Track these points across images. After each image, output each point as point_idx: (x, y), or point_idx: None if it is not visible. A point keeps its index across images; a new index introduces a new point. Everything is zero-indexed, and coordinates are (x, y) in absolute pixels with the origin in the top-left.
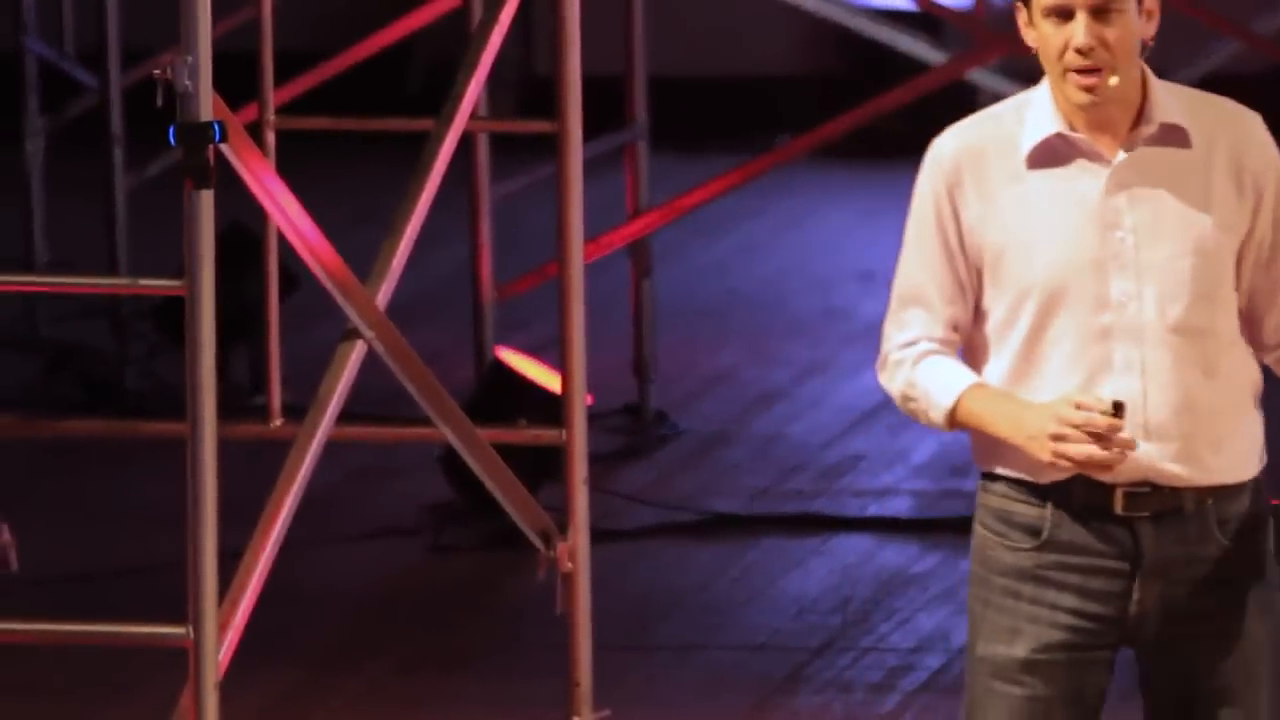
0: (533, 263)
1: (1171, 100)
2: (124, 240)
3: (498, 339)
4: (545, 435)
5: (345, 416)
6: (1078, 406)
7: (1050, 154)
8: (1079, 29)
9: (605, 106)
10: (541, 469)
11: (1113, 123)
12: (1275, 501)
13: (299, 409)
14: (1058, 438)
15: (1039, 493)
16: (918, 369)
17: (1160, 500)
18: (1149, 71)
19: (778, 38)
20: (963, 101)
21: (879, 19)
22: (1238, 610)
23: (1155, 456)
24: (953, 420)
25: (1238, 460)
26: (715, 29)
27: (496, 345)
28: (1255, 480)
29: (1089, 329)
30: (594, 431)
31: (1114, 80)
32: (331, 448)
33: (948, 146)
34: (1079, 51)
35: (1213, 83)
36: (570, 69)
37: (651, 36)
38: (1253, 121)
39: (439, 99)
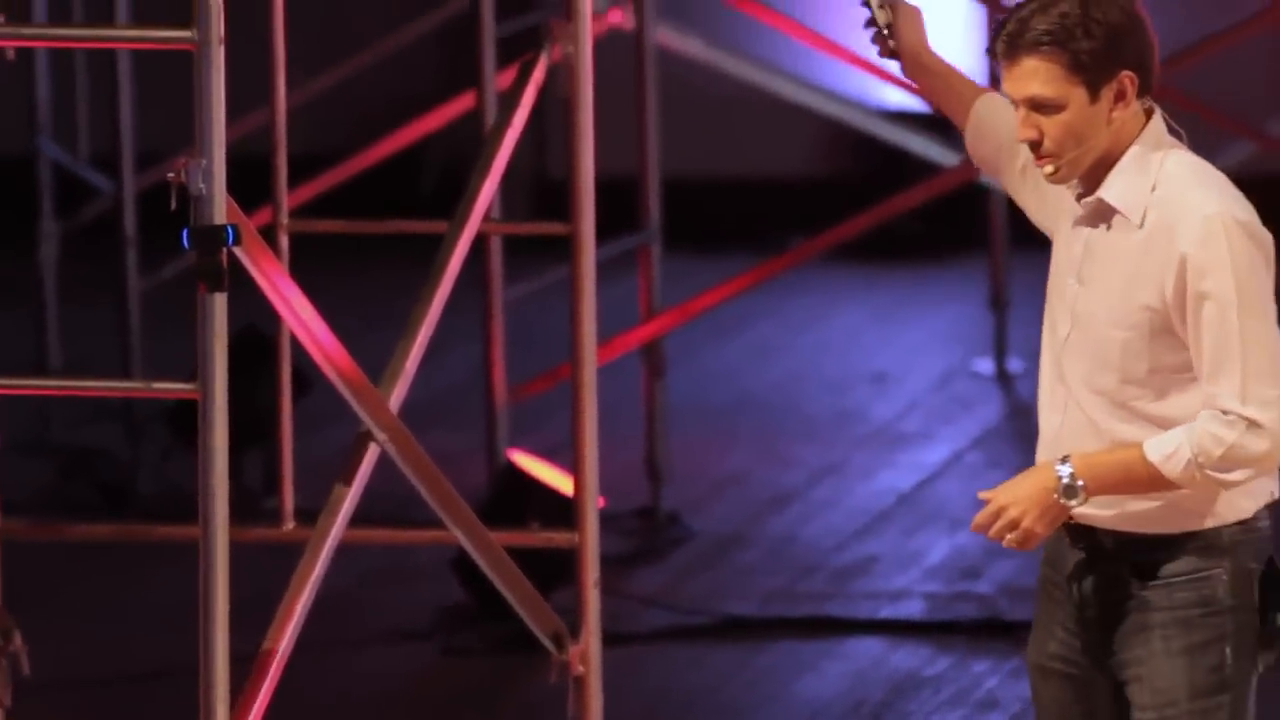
0: (546, 365)
1: (1131, 179)
2: (137, 343)
3: (511, 441)
4: (557, 538)
5: (358, 519)
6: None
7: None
8: (1020, 123)
9: (618, 208)
10: (554, 571)
11: (1097, 182)
12: (1269, 563)
13: (312, 512)
14: None
15: None
16: None
17: (1089, 538)
18: (1145, 136)
19: (791, 139)
20: (975, 203)
21: (892, 121)
22: (1154, 661)
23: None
24: None
25: (1159, 513)
26: (728, 131)
27: (509, 448)
28: (1210, 533)
29: (1049, 352)
30: (606, 534)
31: (1052, 168)
32: (344, 551)
33: None
34: (1023, 143)
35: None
36: (584, 171)
37: (664, 138)
38: (1202, 220)
39: (452, 201)
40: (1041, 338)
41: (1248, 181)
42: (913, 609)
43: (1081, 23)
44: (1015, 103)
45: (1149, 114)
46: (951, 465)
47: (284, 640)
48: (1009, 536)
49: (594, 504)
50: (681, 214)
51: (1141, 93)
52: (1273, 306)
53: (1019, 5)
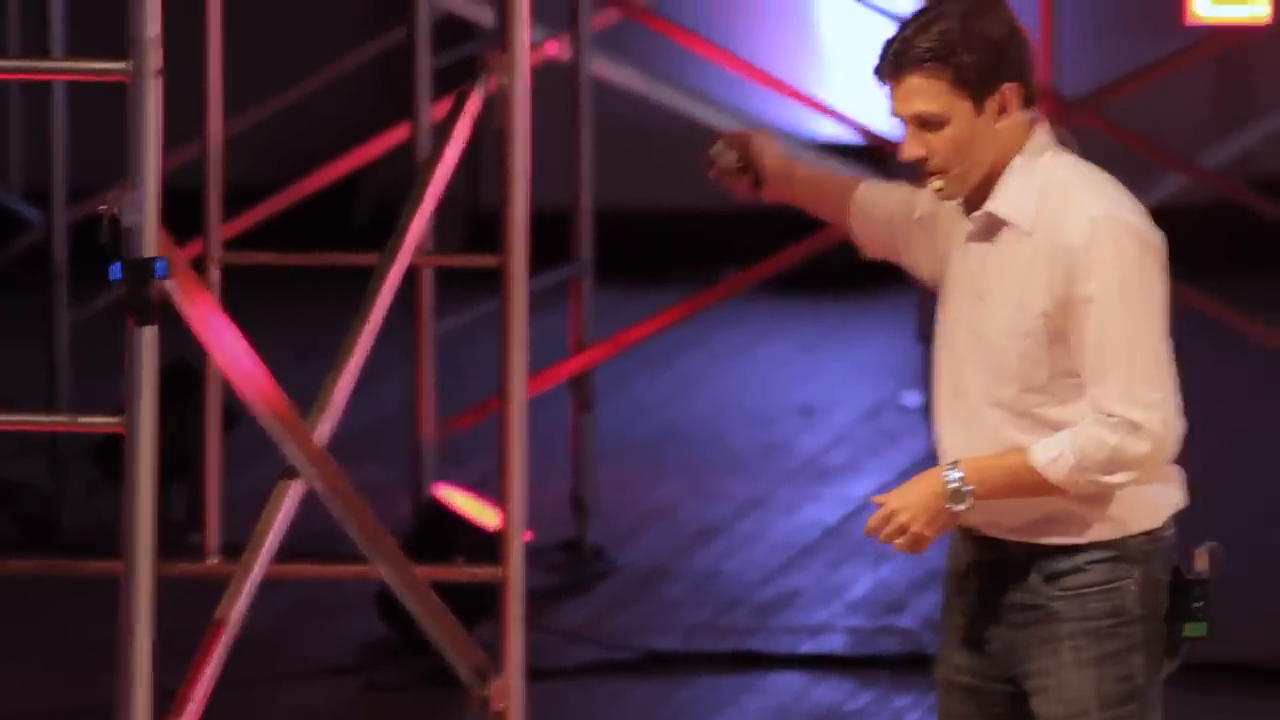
0: (475, 397)
1: (1017, 188)
2: (65, 377)
3: (439, 475)
4: (482, 572)
5: (282, 554)
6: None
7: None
8: (906, 141)
9: (550, 241)
10: (478, 606)
11: (982, 199)
12: (1174, 573)
13: (237, 547)
14: None
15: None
16: None
17: (996, 549)
18: (1030, 147)
19: None
20: None
21: (824, 153)
22: (1064, 672)
23: (976, 508)
24: None
25: (1065, 522)
26: (661, 163)
27: (437, 481)
28: (1115, 541)
29: (947, 370)
30: (531, 568)
31: (941, 183)
32: (268, 586)
33: None
34: (910, 160)
35: (1161, 215)
36: (517, 203)
37: (597, 170)
38: (1088, 222)
39: (384, 233)
40: (935, 362)
41: (1180, 213)
42: (835, 643)
43: (962, 38)
44: (902, 122)
45: (1033, 125)
46: None
47: (207, 675)
48: (898, 541)
49: (520, 538)
50: (613, 246)
51: (1024, 104)
52: (1160, 308)
53: (901, 25)
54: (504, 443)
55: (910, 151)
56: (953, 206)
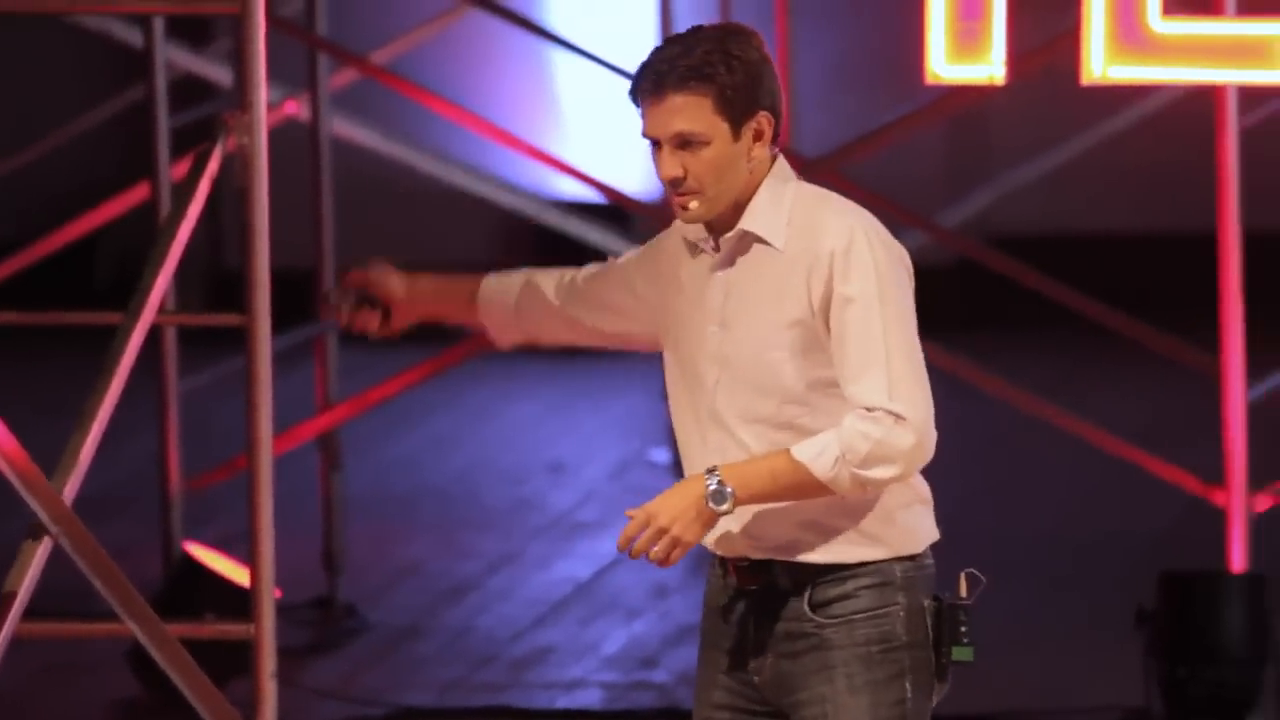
0: (223, 455)
1: (768, 208)
2: None
3: (187, 533)
4: (233, 630)
5: (30, 613)
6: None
7: (692, 248)
8: (664, 161)
9: (295, 298)
10: (230, 663)
11: (728, 227)
12: (936, 600)
13: None
14: None
15: (712, 562)
16: None
17: (760, 575)
18: (774, 172)
19: (469, 230)
20: None
21: (569, 212)
22: (838, 700)
23: (734, 532)
24: None
25: (831, 545)
26: (406, 221)
27: (185, 539)
28: (880, 565)
29: (691, 410)
30: (283, 625)
31: (695, 204)
32: (16, 645)
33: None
34: (667, 181)
35: None
36: (259, 261)
37: (341, 229)
38: (845, 228)
39: (127, 292)
40: (673, 406)
41: (920, 272)
42: (590, 698)
43: (724, 60)
44: (656, 144)
45: (775, 158)
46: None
47: None
48: (656, 548)
49: (270, 595)
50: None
51: (772, 140)
52: (913, 314)
53: (658, 47)
54: (252, 500)
55: (668, 171)
56: (672, 258)
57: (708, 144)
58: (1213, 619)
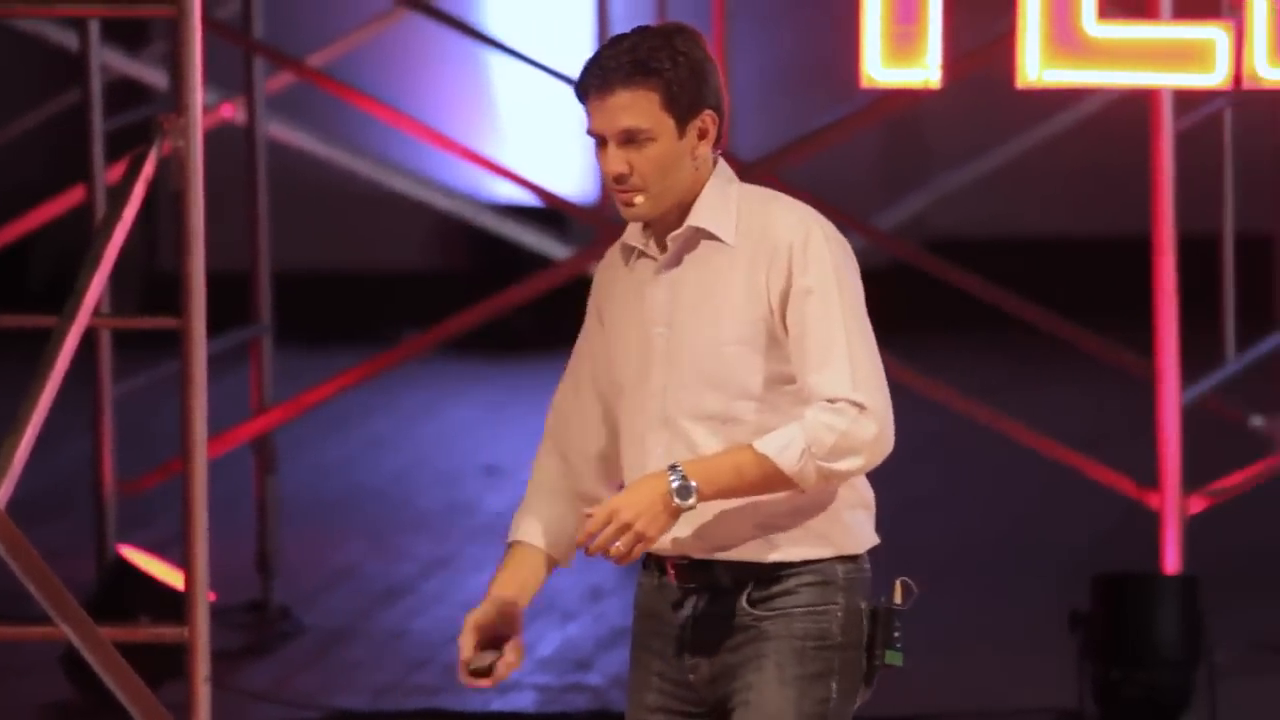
0: (158, 459)
1: (716, 205)
2: None
3: (121, 536)
4: (167, 633)
5: None
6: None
7: (629, 254)
8: (609, 158)
9: (230, 302)
10: (164, 666)
11: (670, 227)
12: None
13: None
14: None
15: (645, 565)
16: None
17: (701, 574)
18: (718, 172)
19: (406, 233)
20: (586, 297)
21: (505, 215)
22: (766, 689)
23: (681, 533)
24: None
25: (775, 543)
26: (342, 225)
27: (119, 542)
28: (823, 565)
29: (637, 413)
30: (217, 628)
31: (640, 199)
32: None
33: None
34: (612, 177)
35: None
36: (194, 265)
37: (277, 232)
38: (798, 221)
39: (62, 295)
40: (621, 409)
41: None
42: (524, 701)
43: (671, 57)
44: (602, 140)
45: (717, 159)
46: None
47: None
48: (619, 544)
49: (204, 598)
50: (294, 308)
51: (715, 141)
52: (864, 306)
53: (605, 44)
54: (187, 503)
55: (614, 167)
56: (606, 288)
57: (654, 140)
58: (1146, 621)
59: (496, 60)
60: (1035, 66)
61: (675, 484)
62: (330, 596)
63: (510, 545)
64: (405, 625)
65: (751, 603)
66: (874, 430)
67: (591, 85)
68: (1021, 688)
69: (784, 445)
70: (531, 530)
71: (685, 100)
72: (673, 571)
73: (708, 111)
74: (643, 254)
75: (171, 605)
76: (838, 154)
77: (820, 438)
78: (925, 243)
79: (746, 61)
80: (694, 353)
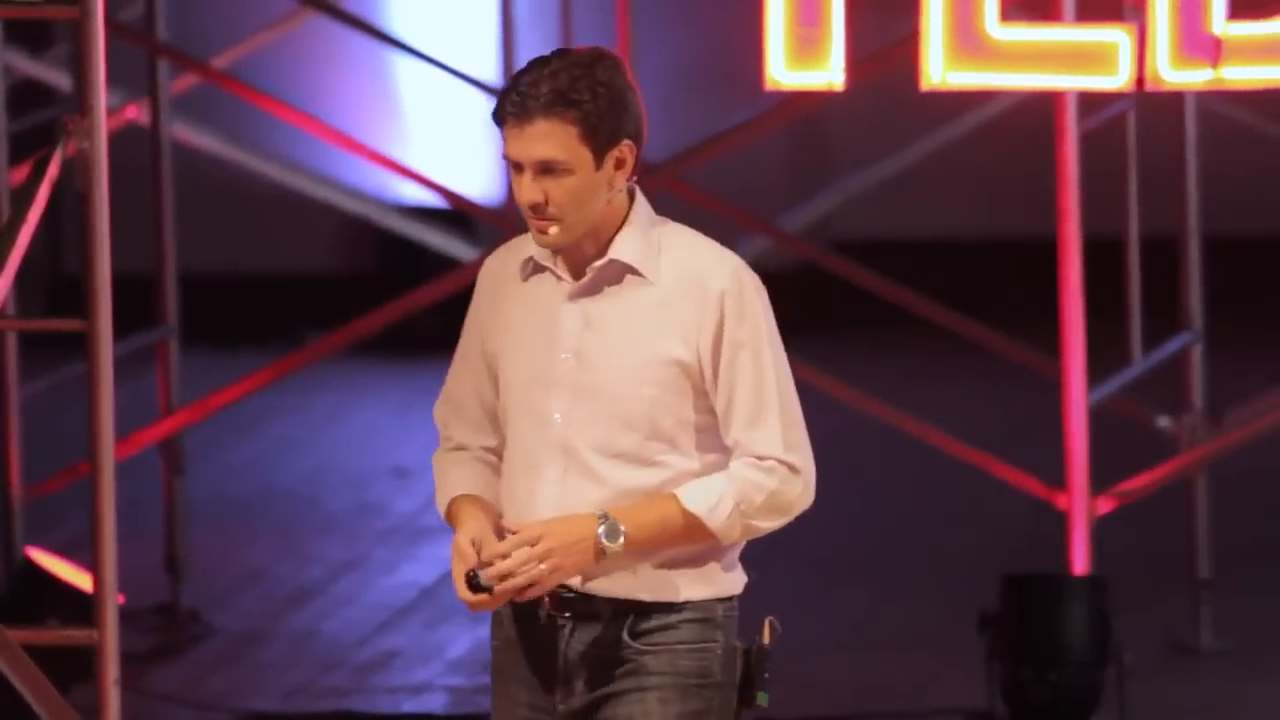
0: (65, 461)
1: (638, 241)
2: None
3: (28, 539)
4: (76, 635)
5: None
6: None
7: (526, 267)
8: (525, 187)
9: (136, 305)
10: (73, 669)
11: (584, 255)
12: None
13: None
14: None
15: None
16: None
17: (581, 605)
18: (638, 208)
19: (312, 235)
20: None
21: (411, 217)
22: (644, 716)
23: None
24: None
25: (660, 580)
26: (248, 226)
27: (27, 545)
28: (704, 603)
29: (530, 437)
30: (126, 631)
31: (555, 230)
32: None
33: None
34: (528, 206)
35: None
36: (100, 267)
37: (183, 234)
38: (730, 272)
39: None
40: (515, 432)
41: (763, 276)
42: (435, 703)
43: (590, 88)
44: (518, 167)
45: (632, 195)
46: None
47: None
48: (541, 568)
49: (113, 601)
50: (201, 310)
51: (633, 169)
52: (787, 362)
53: (524, 69)
54: (95, 505)
55: (529, 197)
56: (493, 282)
57: (571, 173)
58: (1054, 621)
59: (401, 62)
60: (939, 69)
61: (604, 527)
62: (240, 598)
63: (452, 503)
64: (315, 627)
65: (633, 635)
66: (799, 490)
67: (509, 112)
68: (931, 688)
69: (714, 504)
70: (464, 485)
71: (605, 132)
72: (549, 601)
73: (626, 141)
74: (549, 271)
75: (80, 608)
76: (743, 156)
77: (750, 496)
78: (831, 244)
79: (651, 63)
80: (607, 389)
